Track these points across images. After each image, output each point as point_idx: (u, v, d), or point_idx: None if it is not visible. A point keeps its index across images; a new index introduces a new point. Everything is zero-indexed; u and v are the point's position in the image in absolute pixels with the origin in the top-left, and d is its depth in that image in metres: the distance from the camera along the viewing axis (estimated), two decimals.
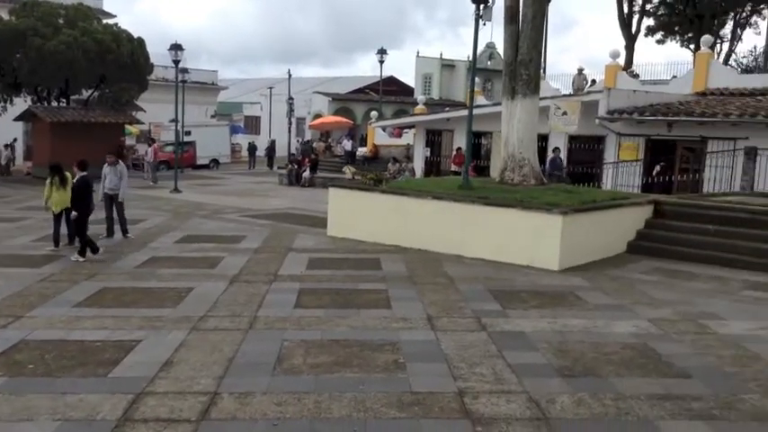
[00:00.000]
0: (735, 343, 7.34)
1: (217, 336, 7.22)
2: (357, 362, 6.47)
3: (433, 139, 27.72)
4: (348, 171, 26.55)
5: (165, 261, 11.29)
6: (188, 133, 34.87)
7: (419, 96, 39.56)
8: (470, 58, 14.78)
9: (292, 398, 5.58)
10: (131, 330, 7.39)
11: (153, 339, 7.10)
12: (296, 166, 28.56)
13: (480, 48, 45.58)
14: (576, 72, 29.63)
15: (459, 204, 12.40)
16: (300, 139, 42.05)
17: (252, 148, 39.66)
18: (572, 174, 21.13)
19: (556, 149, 21.34)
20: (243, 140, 44.18)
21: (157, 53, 30.14)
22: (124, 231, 13.49)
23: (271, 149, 38.99)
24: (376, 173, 15.69)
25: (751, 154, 17.24)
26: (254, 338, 7.16)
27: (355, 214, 13.67)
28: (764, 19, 39.92)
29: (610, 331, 7.71)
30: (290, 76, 43.13)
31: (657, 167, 19.89)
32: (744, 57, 45.34)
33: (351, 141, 35.71)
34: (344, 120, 41.53)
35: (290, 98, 40.22)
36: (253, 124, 50.69)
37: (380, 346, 6.93)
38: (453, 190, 13.32)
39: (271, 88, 45.80)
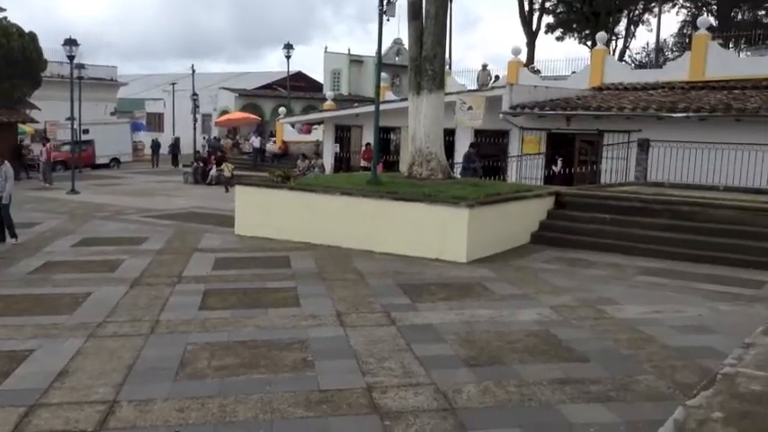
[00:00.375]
0: (630, 326, 7.67)
1: (116, 342, 6.93)
2: (264, 362, 6.35)
3: (343, 134, 27.69)
4: (226, 168, 26.08)
5: (61, 266, 10.75)
6: (86, 131, 33.35)
7: (328, 92, 39.44)
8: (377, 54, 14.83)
9: (196, 403, 5.42)
10: (24, 340, 6.99)
11: (47, 348, 6.74)
12: (201, 164, 27.88)
13: (388, 43, 45.94)
14: (481, 68, 30.27)
15: (368, 200, 12.42)
16: (206, 136, 41.05)
17: (155, 146, 38.41)
18: (473, 169, 21.59)
19: (473, 144, 21.84)
20: (145, 138, 42.73)
21: (52, 49, 28.73)
22: (12, 235, 12.78)
23: (175, 147, 37.90)
24: (284, 170, 15.49)
25: (644, 146, 18.13)
26: (156, 343, 6.91)
27: (263, 212, 13.45)
28: (656, 16, 42.05)
29: (514, 320, 7.91)
30: (193, 71, 42.01)
31: (559, 163, 20.63)
32: (637, 53, 47.78)
33: (259, 138, 35.13)
34: (252, 116, 40.85)
35: (195, 94, 39.20)
36: (156, 121, 49.06)
37: (289, 345, 6.84)
38: (362, 185, 13.34)
39: (174, 84, 44.45)
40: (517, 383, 5.88)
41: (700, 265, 10.97)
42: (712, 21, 37.32)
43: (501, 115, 21.00)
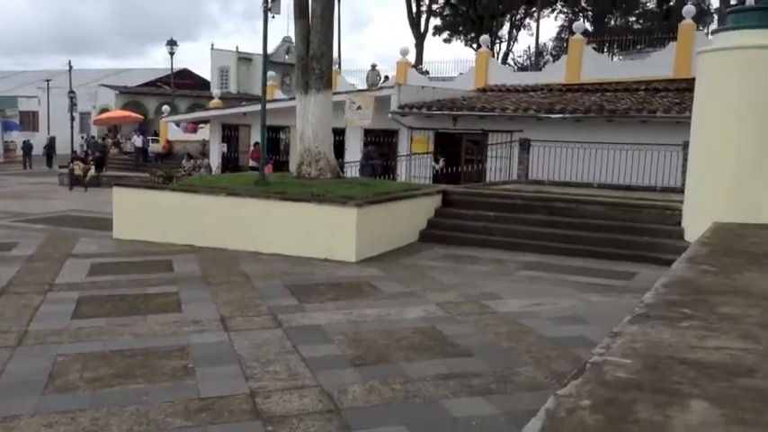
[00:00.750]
0: (512, 320, 7.91)
1: None
2: (141, 372, 6.06)
3: (230, 134, 27.12)
4: (77, 167, 25.05)
5: None
6: None
7: (215, 90, 38.51)
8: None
9: (65, 417, 5.09)
10: None
11: None
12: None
13: (277, 41, 45.43)
14: (370, 68, 30.49)
15: (255, 200, 12.19)
16: (85, 136, 39.10)
17: (27, 147, 36.14)
18: (372, 166, 21.79)
19: (370, 143, 22.10)
20: (18, 138, 40.19)
21: None
22: None
23: (50, 147, 35.83)
24: (166, 170, 14.94)
25: (525, 145, 18.86)
26: (24, 355, 6.45)
27: (144, 214, 12.91)
28: (536, 21, 43.85)
29: (401, 318, 7.97)
30: (70, 67, 39.85)
31: (441, 161, 21.13)
32: (519, 56, 49.69)
33: (141, 137, 33.80)
34: (134, 114, 39.26)
35: (72, 91, 37.18)
36: (30, 120, 46.22)
37: (168, 353, 6.57)
38: (249, 186, 13.09)
39: (49, 81, 42.02)
40: (402, 381, 5.91)
41: (575, 259, 11.50)
42: (588, 26, 39.35)
43: (390, 115, 21.22)
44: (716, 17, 38.43)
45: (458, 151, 21.55)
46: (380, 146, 22.31)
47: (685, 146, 13.32)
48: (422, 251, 12.34)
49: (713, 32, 12.45)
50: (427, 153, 21.62)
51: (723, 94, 10.13)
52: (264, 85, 14.81)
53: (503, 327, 7.62)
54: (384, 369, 6.22)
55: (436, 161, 21.27)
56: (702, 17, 39.14)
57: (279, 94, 30.47)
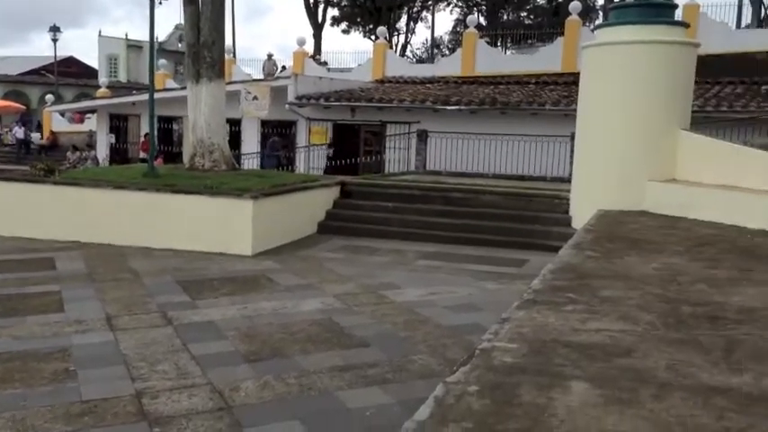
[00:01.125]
0: (408, 309, 7.96)
1: None
2: (19, 376, 5.68)
3: (119, 124, 25.99)
4: None
5: None
6: None
7: (102, 79, 36.83)
8: (157, 39, 13.99)
9: None
10: None
11: None
12: None
13: (169, 29, 44.04)
14: (266, 57, 29.97)
15: (144, 193, 11.72)
16: None
17: None
18: (277, 157, 21.48)
19: (270, 134, 21.74)
20: None
21: None
22: None
23: None
24: (47, 162, 14.13)
25: (422, 136, 19.08)
26: None
27: (24, 209, 12.14)
28: (432, 14, 44.50)
29: (298, 310, 7.86)
30: None
31: (330, 152, 21.13)
32: (418, 48, 50.39)
33: (23, 128, 31.84)
34: (15, 104, 36.91)
35: None
36: None
37: (48, 355, 6.18)
38: (137, 178, 12.56)
39: None
40: (298, 375, 5.82)
41: (471, 248, 11.73)
42: (482, 20, 40.33)
43: (287, 106, 20.97)
44: (601, 13, 40.35)
45: (356, 142, 21.55)
46: (282, 137, 22.03)
47: (573, 137, 13.84)
48: (320, 243, 12.26)
49: (596, 28, 13.00)
50: (325, 144, 21.53)
51: (606, 88, 10.55)
52: (152, 73, 14.22)
53: (400, 316, 7.66)
54: (279, 363, 6.11)
55: (329, 147, 21.26)
56: (589, 13, 40.94)
57: (171, 83, 29.49)
